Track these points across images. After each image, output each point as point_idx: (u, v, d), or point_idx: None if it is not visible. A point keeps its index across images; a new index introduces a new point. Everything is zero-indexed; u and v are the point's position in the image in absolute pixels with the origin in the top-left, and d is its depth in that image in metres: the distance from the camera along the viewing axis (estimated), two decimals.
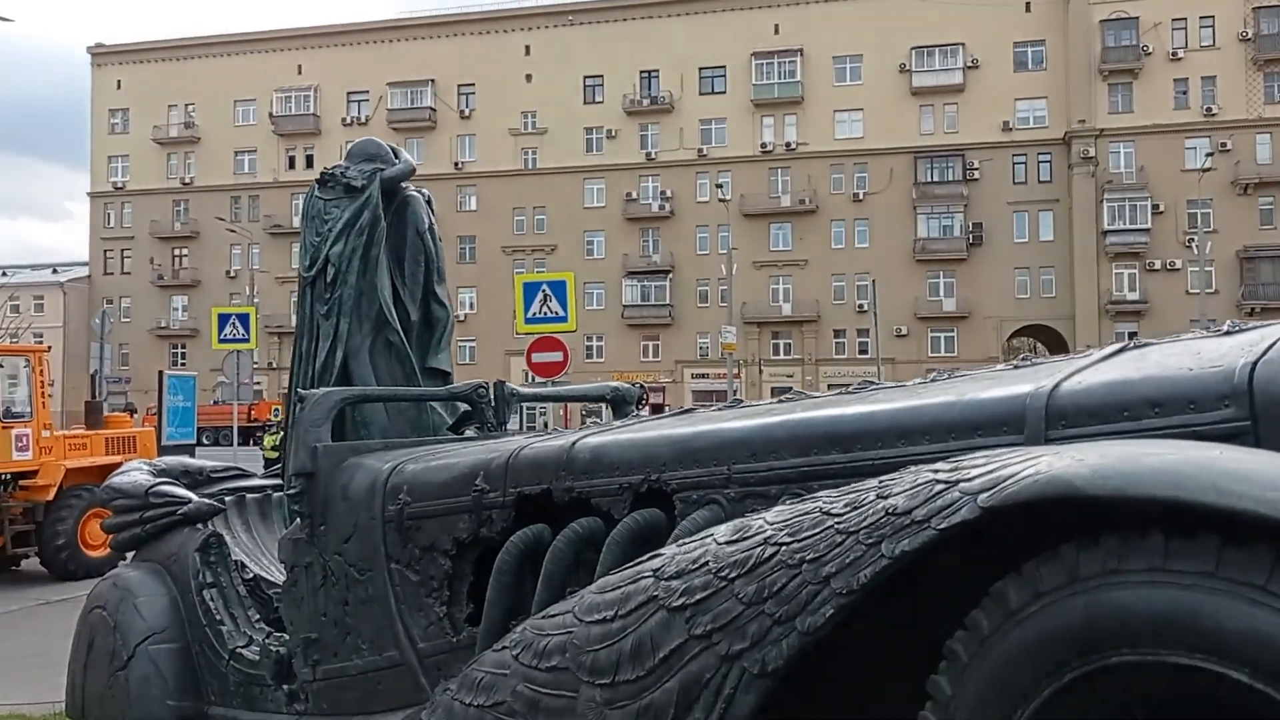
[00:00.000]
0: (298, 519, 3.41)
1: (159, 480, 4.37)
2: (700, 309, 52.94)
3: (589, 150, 56.40)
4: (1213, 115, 47.77)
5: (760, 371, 50.37)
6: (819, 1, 53.02)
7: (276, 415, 47.35)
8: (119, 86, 62.28)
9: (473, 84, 57.68)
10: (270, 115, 59.78)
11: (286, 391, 4.47)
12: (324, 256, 4.30)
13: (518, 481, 2.82)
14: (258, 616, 3.87)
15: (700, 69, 54.30)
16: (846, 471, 2.15)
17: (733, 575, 1.75)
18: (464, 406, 4.10)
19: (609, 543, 2.45)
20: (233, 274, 59.06)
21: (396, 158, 4.56)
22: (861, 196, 52.06)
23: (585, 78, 56.02)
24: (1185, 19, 48.12)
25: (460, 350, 57.48)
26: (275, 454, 21.84)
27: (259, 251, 58.73)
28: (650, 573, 1.97)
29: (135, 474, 4.54)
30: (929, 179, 51.13)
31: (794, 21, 53.16)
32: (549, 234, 56.32)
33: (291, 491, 3.39)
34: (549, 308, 13.17)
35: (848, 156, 52.47)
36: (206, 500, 4.16)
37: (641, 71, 55.21)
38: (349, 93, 59.46)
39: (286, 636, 3.64)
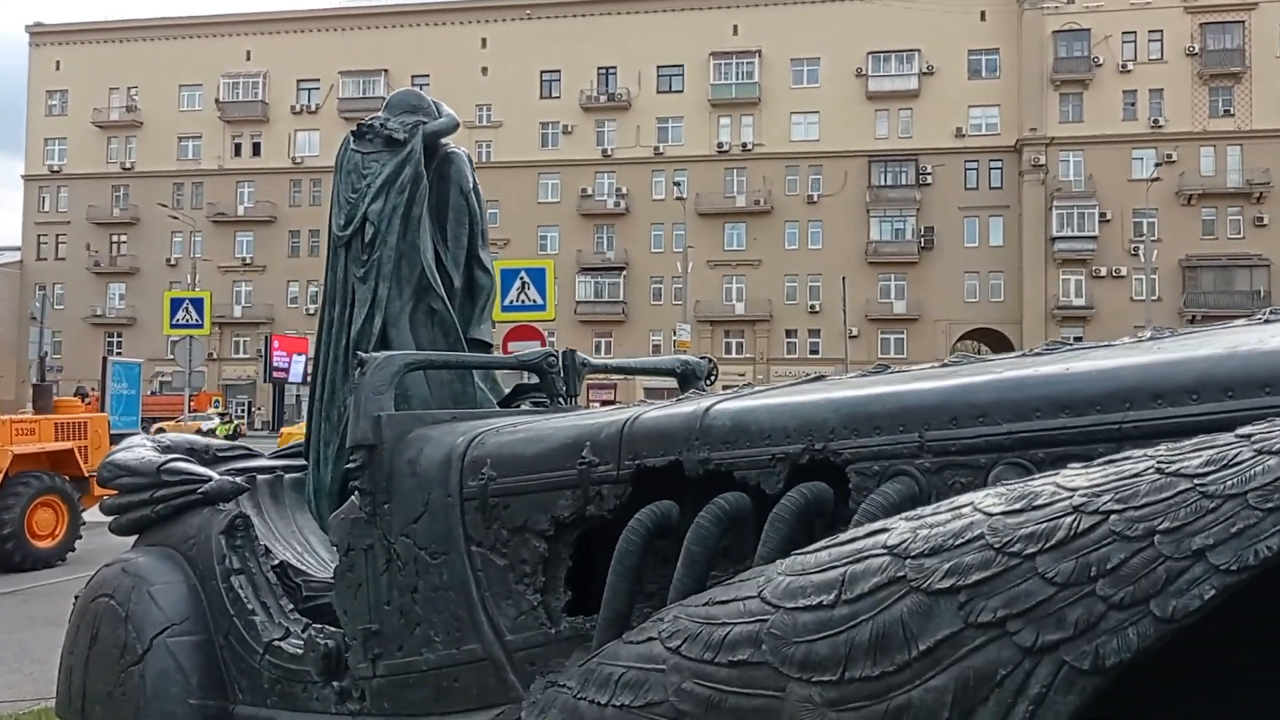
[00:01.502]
0: (355, 496, 3.05)
1: (172, 456, 3.96)
2: (654, 307, 52.72)
3: (544, 145, 55.92)
4: (1159, 127, 48.64)
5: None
6: (778, 4, 53.09)
7: (216, 406, 46.38)
8: (58, 68, 60.49)
9: (427, 75, 56.84)
10: (217, 101, 58.48)
11: (313, 366, 4.08)
12: (362, 214, 3.92)
13: (636, 453, 2.49)
14: (291, 606, 3.49)
15: (658, 67, 54.09)
16: (1080, 438, 1.86)
17: (1030, 550, 1.44)
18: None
19: (774, 519, 2.13)
20: (173, 262, 57.66)
21: (439, 111, 4.20)
22: (816, 198, 52.21)
23: (542, 72, 55.56)
24: (1135, 33, 48.93)
25: None
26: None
27: (201, 240, 57.43)
28: (882, 549, 1.65)
29: (141, 450, 4.13)
30: (882, 183, 51.43)
31: (752, 23, 53.16)
32: (502, 228, 55.63)
33: (351, 465, 3.02)
34: (527, 296, 12.80)
35: (803, 158, 52.60)
36: (229, 478, 3.76)
37: (599, 68, 54.88)
38: (299, 80, 58.39)
39: (331, 629, 3.27)
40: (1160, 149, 48.11)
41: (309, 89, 58.53)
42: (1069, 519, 1.42)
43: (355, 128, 4.14)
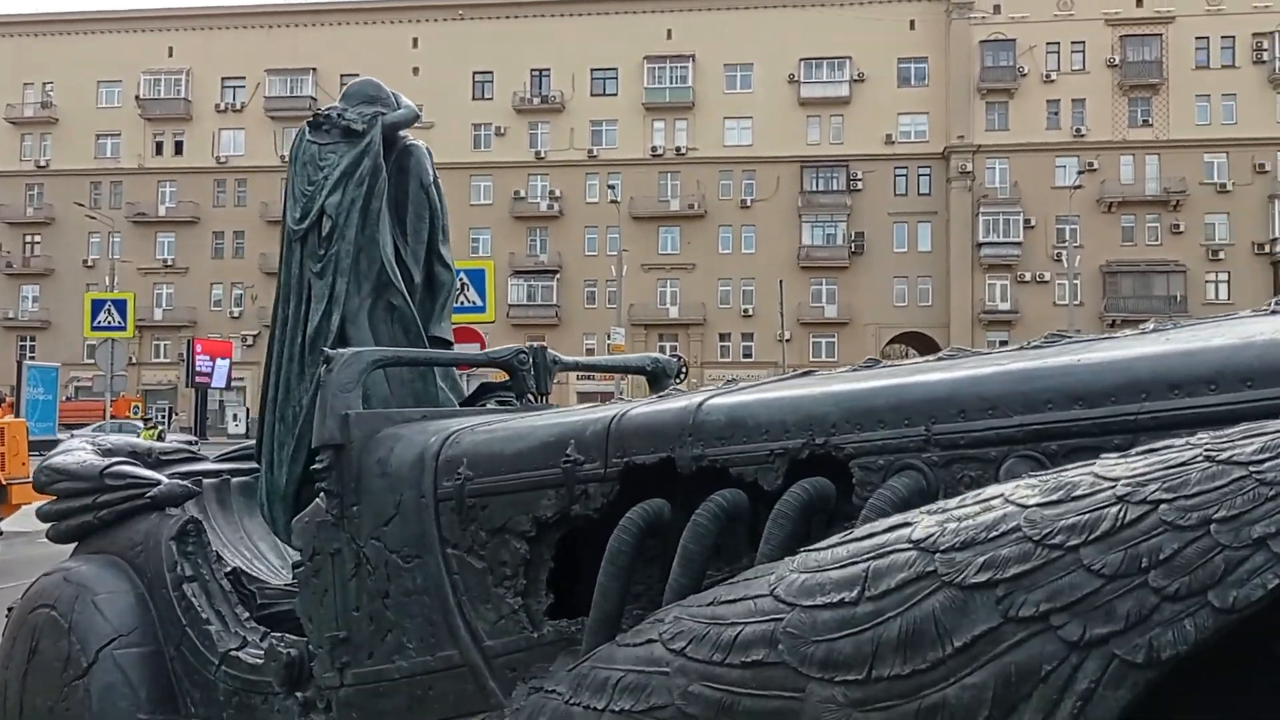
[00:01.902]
0: (321, 498, 2.92)
1: (116, 460, 3.78)
2: (588, 310, 52.61)
3: (477, 147, 55.48)
4: (1081, 136, 49.87)
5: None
6: (711, 9, 53.36)
7: (135, 413, 45.12)
8: None
9: (356, 74, 53.68)
10: (137, 98, 57.00)
11: (266, 365, 3.93)
12: (319, 207, 3.77)
13: (624, 450, 2.41)
14: (247, 615, 3.34)
15: (592, 70, 54.02)
16: (1095, 430, 1.83)
17: (1073, 542, 1.39)
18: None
19: (777, 515, 2.07)
20: (90, 263, 56.05)
21: (398, 103, 4.07)
22: (749, 203, 52.57)
23: (474, 73, 55.14)
24: (1058, 43, 50.11)
25: None
26: None
27: (120, 240, 55.89)
28: (907, 544, 1.59)
29: (80, 453, 3.93)
30: (814, 188, 51.97)
31: (686, 27, 53.37)
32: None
33: (317, 466, 2.90)
34: (466, 297, 12.63)
35: (736, 163, 52.94)
36: (178, 482, 3.60)
37: (532, 69, 54.64)
38: (223, 78, 57.16)
39: (292, 637, 3.14)
40: (1082, 157, 49.34)
41: (234, 87, 57.35)
42: (1114, 509, 1.38)
43: (311, 118, 4.00)
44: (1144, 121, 49.71)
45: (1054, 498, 1.46)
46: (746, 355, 50.82)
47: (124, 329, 17.16)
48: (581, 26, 53.96)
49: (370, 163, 3.84)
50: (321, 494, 2.91)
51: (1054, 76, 50.18)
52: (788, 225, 52.15)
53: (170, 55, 57.29)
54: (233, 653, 3.14)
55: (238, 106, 57.06)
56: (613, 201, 48.21)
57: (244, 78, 56.81)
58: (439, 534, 2.70)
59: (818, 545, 1.83)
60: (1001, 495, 1.55)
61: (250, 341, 55.28)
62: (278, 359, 3.86)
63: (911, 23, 52.08)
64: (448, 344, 4.05)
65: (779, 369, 46.44)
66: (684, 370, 3.92)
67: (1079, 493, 1.44)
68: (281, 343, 3.86)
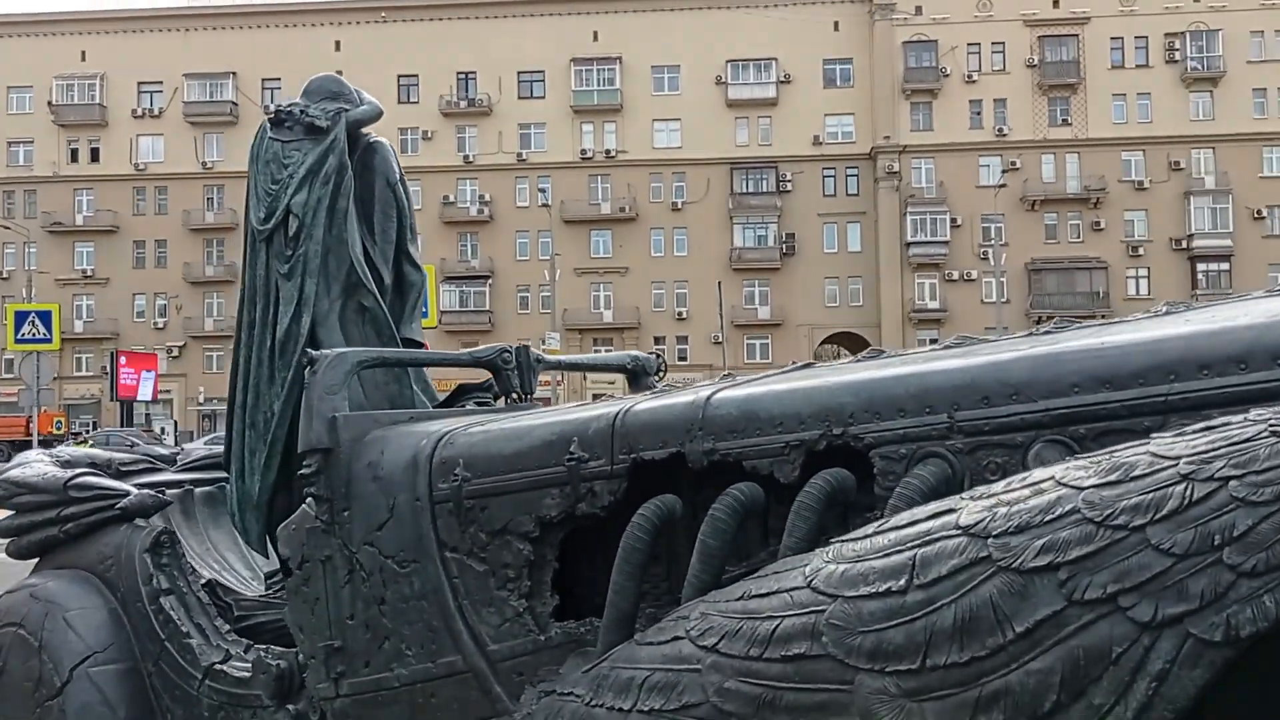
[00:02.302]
0: (308, 504, 2.84)
1: (80, 471, 3.65)
2: (521, 315, 52.32)
3: (404, 151, 54.61)
4: (1004, 135, 50.91)
5: (584, 378, 50.18)
6: (637, 11, 53.45)
7: (59, 428, 43.78)
8: None
9: (278, 78, 55.05)
10: (50, 104, 55.33)
11: (232, 370, 3.81)
12: (284, 207, 3.67)
13: (631, 446, 2.37)
14: (227, 627, 3.24)
15: (519, 73, 53.76)
16: (1124, 412, 1.84)
17: (1138, 522, 1.39)
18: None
19: (800, 508, 2.05)
20: (5, 275, 54.29)
21: (360, 99, 3.99)
22: (680, 205, 52.75)
23: (399, 77, 54.47)
24: (979, 44, 51.11)
25: None
26: None
27: (35, 251, 54.13)
28: (955, 530, 1.59)
29: (39, 465, 3.78)
30: (744, 189, 52.33)
31: (612, 29, 53.39)
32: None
33: (305, 471, 2.82)
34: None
35: (666, 165, 53.08)
36: (148, 492, 3.48)
37: (458, 73, 54.19)
38: (140, 83, 55.71)
39: (277, 648, 3.05)
40: (1005, 156, 50.34)
41: (151, 92, 55.98)
42: (1179, 487, 1.38)
43: (273, 115, 3.90)
44: (1063, 121, 50.93)
45: (1112, 478, 1.46)
46: (682, 358, 50.91)
47: (49, 341, 16.62)
48: (507, 29, 53.68)
49: (336, 160, 3.75)
50: (310, 499, 2.83)
51: (975, 77, 51.16)
52: (719, 227, 52.43)
53: (83, 59, 55.74)
54: (217, 666, 3.04)
55: (155, 112, 55.72)
56: (544, 205, 48.05)
57: (161, 82, 55.49)
58: (436, 537, 2.64)
59: (852, 536, 1.82)
60: (1052, 478, 1.55)
61: (176, 353, 54.06)
62: (245, 364, 3.75)
63: (836, 24, 52.71)
64: (419, 346, 3.98)
65: (714, 372, 46.67)
66: (663, 368, 3.90)
67: (1138, 472, 1.44)
68: (249, 347, 3.75)
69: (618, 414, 2.43)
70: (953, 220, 50.49)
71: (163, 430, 52.69)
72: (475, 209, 53.76)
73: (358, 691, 2.72)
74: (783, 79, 52.69)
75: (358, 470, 2.77)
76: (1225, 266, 48.97)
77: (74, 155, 56.00)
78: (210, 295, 55.00)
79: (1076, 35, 50.62)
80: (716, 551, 2.14)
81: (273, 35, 54.89)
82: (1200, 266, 49.22)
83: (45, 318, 16.67)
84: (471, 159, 54.34)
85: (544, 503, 2.48)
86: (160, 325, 54.70)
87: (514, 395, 3.32)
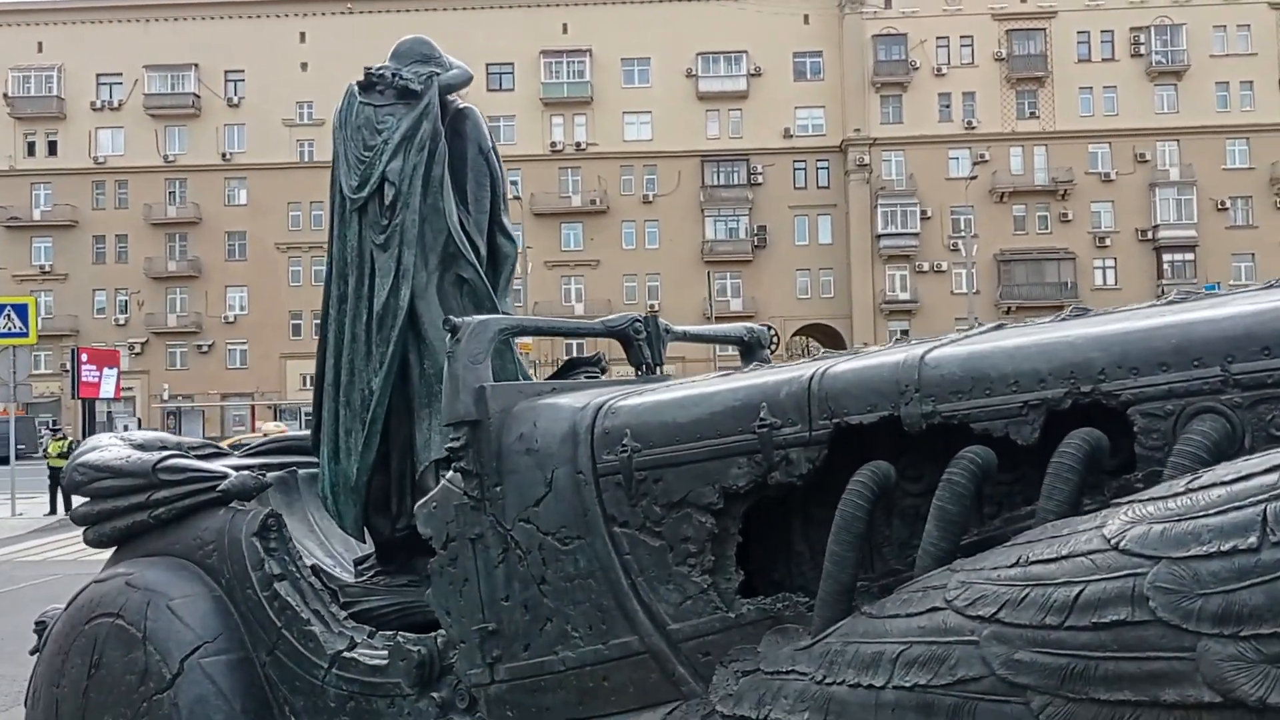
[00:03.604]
0: (451, 479, 2.68)
1: (169, 453, 3.46)
2: None
3: None
4: (973, 128, 51.25)
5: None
6: (606, 3, 53.21)
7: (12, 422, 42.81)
8: None
9: (241, 70, 54.35)
10: (5, 96, 54.13)
11: (320, 347, 3.63)
12: (379, 174, 3.50)
13: (833, 410, 2.23)
14: (345, 614, 3.07)
15: (488, 65, 53.22)
16: None
17: None
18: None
19: (1059, 469, 1.92)
20: None
21: (449, 63, 3.83)
22: (651, 198, 52.62)
23: (366, 68, 53.80)
24: (948, 37, 51.39)
25: (230, 353, 54.08)
26: (62, 462, 19.52)
27: None
28: None
29: (117, 448, 3.59)
30: (715, 182, 52.30)
31: (582, 21, 53.12)
32: (328, 230, 53.77)
33: (452, 445, 2.65)
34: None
35: (637, 158, 52.91)
36: (249, 473, 3.30)
37: None
38: (99, 75, 54.64)
39: (408, 634, 2.88)
40: (974, 149, 50.72)
41: (110, 84, 54.91)
42: None
43: (362, 77, 3.73)
44: (1031, 114, 51.34)
45: None
46: None
47: (26, 335, 16.21)
48: (476, 20, 53.21)
49: (430, 126, 3.60)
50: (456, 474, 2.67)
51: (944, 70, 51.45)
52: (690, 220, 52.37)
53: (40, 50, 54.56)
54: (345, 654, 2.87)
55: (115, 104, 54.70)
56: (514, 198, 47.66)
57: (121, 74, 54.45)
58: (603, 511, 2.49)
59: (1148, 495, 1.70)
60: None
61: (139, 349, 53.15)
62: (336, 340, 3.58)
63: (806, 17, 52.77)
64: None
65: (686, 364, 46.66)
66: (775, 340, 3.77)
67: None
68: (339, 323, 3.58)
69: (813, 376, 2.29)
70: (923, 212, 50.78)
71: (125, 428, 51.81)
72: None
73: (517, 677, 2.56)
74: (753, 72, 52.70)
75: (509, 443, 2.62)
76: (1190, 257, 49.65)
77: (31, 149, 54.85)
78: (173, 291, 54.15)
79: (1044, 29, 51.04)
80: (956, 518, 2.01)
81: (236, 26, 54.07)
82: (1166, 257, 49.86)
83: (21, 311, 16.24)
84: None
85: (730, 472, 2.34)
86: (121, 321, 53.77)
87: (645, 366, 3.18)
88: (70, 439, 19.64)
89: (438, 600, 2.68)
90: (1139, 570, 1.57)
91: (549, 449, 2.57)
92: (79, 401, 46.23)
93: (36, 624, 3.65)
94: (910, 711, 1.80)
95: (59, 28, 54.61)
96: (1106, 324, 2.10)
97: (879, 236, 50.87)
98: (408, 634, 2.87)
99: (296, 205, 53.82)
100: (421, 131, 3.56)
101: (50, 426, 28.93)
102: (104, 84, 54.81)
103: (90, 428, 46.22)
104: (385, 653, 2.80)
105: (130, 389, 50.78)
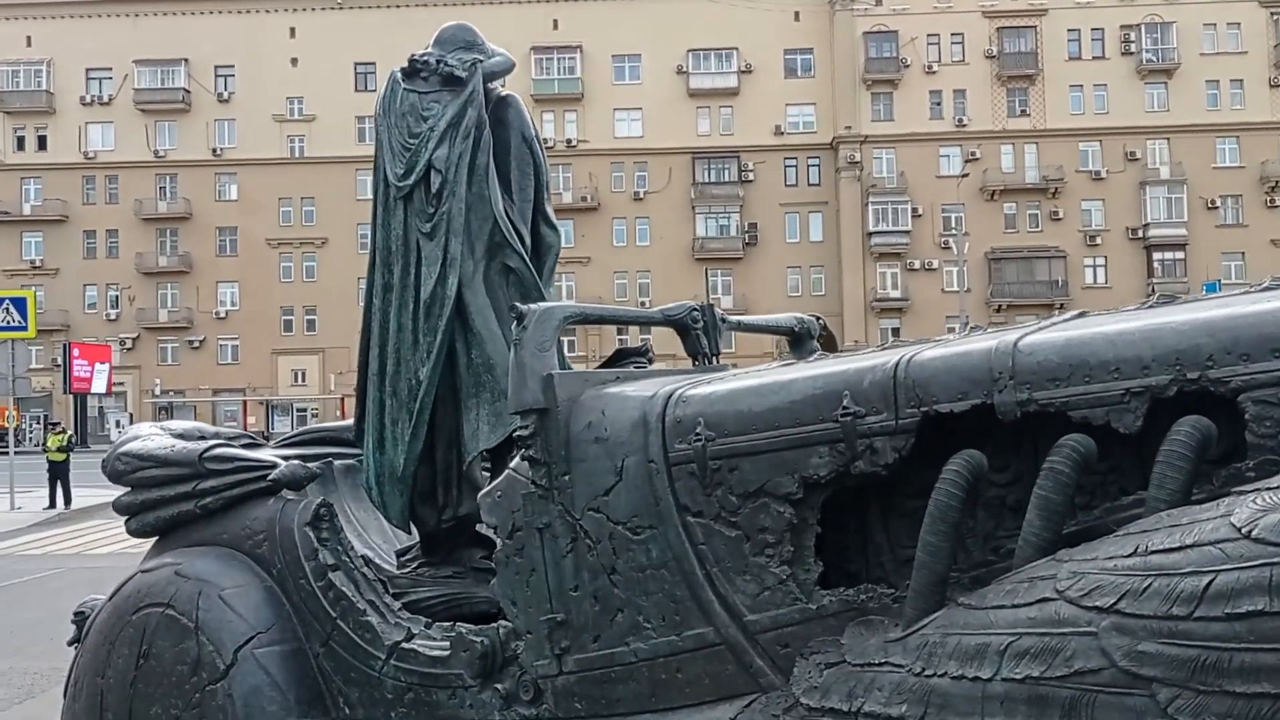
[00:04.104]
0: (516, 469, 2.65)
1: (216, 442, 3.42)
2: None
3: (362, 139, 53.94)
4: (964, 126, 51.35)
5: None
6: (598, 0, 53.13)
7: (11, 421, 42.65)
8: None
9: (232, 66, 54.09)
10: None
11: (364, 336, 3.59)
12: (425, 161, 3.47)
13: (921, 398, 2.21)
14: (399, 604, 3.04)
15: None
16: None
17: None
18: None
19: (1170, 458, 1.90)
20: None
21: (491, 50, 3.79)
22: (642, 195, 52.58)
23: (356, 64, 53.69)
24: (939, 35, 51.47)
25: (221, 349, 53.87)
26: (61, 456, 19.38)
27: None
28: None
29: (160, 438, 3.55)
30: (706, 179, 52.30)
31: (573, 18, 53.01)
32: (319, 226, 53.68)
33: (521, 433, 2.62)
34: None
35: (628, 155, 52.85)
36: (299, 463, 3.26)
37: None
38: (89, 69, 54.34)
39: (470, 625, 2.85)
40: (965, 147, 50.81)
41: (100, 78, 54.60)
42: None
43: (406, 64, 3.70)
44: (1022, 111, 51.47)
45: None
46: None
47: (25, 329, 16.10)
48: (465, 16, 51.27)
49: (475, 113, 3.57)
50: (523, 463, 2.64)
51: (935, 67, 51.53)
52: (681, 217, 52.34)
53: (29, 45, 54.20)
54: (403, 645, 2.84)
55: (105, 99, 54.41)
56: None
57: (111, 69, 54.16)
58: (675, 501, 2.47)
59: (1269, 484, 1.69)
60: None
61: (130, 345, 52.89)
62: (381, 329, 3.54)
63: (796, 14, 52.77)
64: None
65: (677, 361, 46.55)
66: (824, 330, 3.75)
67: None
68: (384, 312, 3.55)
69: (897, 363, 2.27)
70: (914, 210, 50.86)
71: (118, 423, 51.60)
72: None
73: (586, 668, 2.54)
74: (744, 69, 52.68)
75: (577, 431, 2.59)
76: (1180, 255, 49.86)
77: (20, 143, 54.51)
78: (164, 286, 53.90)
79: (1034, 26, 51.16)
80: (1060, 506, 1.99)
81: (226, 21, 53.79)
82: (1156, 255, 50.06)
83: (20, 304, 16.13)
84: None
85: (810, 461, 2.32)
86: (112, 316, 53.49)
87: (703, 356, 3.15)
88: (69, 433, 19.46)
89: (503, 590, 2.66)
90: (1275, 560, 1.56)
91: (619, 437, 2.54)
92: (70, 396, 46.05)
93: (76, 615, 3.60)
94: (1021, 704, 1.78)
95: (48, 22, 54.25)
96: (1210, 309, 2.08)
97: (870, 234, 50.93)
98: (463, 624, 2.84)
99: (287, 201, 53.64)
100: (467, 119, 3.53)
101: (48, 421, 28.71)
102: (94, 79, 54.51)
103: (82, 422, 46.01)
104: (446, 644, 2.77)
105: (122, 384, 50.57)
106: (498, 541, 2.68)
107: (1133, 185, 50.59)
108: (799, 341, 3.70)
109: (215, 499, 3.23)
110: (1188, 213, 50.18)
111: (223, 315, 53.66)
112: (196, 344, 53.54)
